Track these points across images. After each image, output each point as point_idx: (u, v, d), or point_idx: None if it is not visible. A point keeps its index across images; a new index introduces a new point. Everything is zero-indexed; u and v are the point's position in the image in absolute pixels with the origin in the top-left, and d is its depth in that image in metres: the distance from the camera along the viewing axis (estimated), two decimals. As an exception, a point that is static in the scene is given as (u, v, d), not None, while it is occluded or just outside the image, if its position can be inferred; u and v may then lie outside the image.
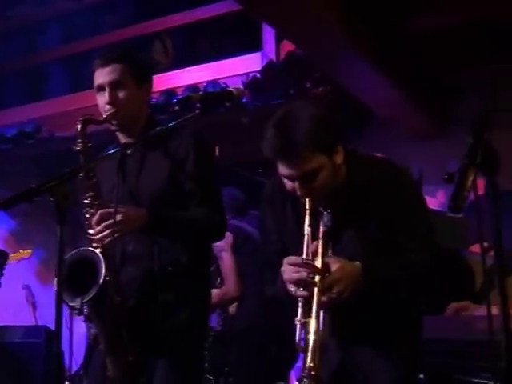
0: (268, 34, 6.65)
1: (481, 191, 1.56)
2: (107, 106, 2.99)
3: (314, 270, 2.43)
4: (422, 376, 3.97)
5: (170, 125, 2.87)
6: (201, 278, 3.10)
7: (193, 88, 6.45)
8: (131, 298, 2.96)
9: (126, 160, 2.85)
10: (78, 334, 6.34)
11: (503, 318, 1.52)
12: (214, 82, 6.46)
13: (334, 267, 2.44)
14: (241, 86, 6.02)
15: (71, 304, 2.80)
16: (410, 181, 2.82)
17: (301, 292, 2.42)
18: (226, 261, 5.10)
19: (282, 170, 2.51)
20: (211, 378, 5.53)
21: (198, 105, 2.78)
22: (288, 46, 6.15)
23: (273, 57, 6.51)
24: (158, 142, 2.99)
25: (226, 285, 5.10)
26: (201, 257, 3.11)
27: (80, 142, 2.95)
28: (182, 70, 7.13)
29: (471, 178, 1.49)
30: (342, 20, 4.90)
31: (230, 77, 6.68)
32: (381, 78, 5.57)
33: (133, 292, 2.98)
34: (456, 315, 3.77)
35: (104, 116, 3.00)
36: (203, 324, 3.14)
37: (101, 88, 3.02)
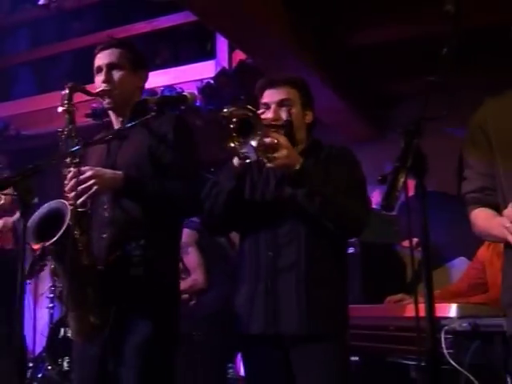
0: (222, 43, 6.68)
1: (411, 192, 1.59)
2: (103, 85, 2.96)
3: None
4: (357, 359, 4.04)
5: (127, 126, 2.85)
6: (170, 248, 2.99)
7: (151, 92, 6.43)
8: (100, 262, 2.81)
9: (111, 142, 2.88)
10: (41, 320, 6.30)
11: (428, 306, 1.55)
12: (170, 87, 6.46)
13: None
14: (195, 91, 6.04)
15: (34, 246, 2.66)
16: (357, 161, 2.91)
17: None
18: (193, 255, 5.08)
19: (265, 98, 2.82)
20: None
21: (154, 107, 2.77)
22: (240, 55, 6.18)
23: (226, 64, 6.54)
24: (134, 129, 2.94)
25: (194, 277, 5.08)
26: (171, 228, 3.00)
27: (65, 104, 2.90)
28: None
29: (402, 180, 1.52)
30: (291, 33, 4.94)
31: (185, 82, 6.70)
32: (326, 87, 5.63)
33: (102, 256, 2.82)
34: (389, 304, 3.82)
35: (97, 90, 2.97)
36: (174, 288, 3.02)
37: (99, 69, 2.97)
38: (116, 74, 2.97)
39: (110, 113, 3.08)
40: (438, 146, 6.00)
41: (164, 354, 2.82)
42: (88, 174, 2.71)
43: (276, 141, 2.59)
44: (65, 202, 2.73)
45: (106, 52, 2.99)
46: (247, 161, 2.60)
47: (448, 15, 1.91)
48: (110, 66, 2.97)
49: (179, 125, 2.97)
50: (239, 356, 5.78)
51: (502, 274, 2.46)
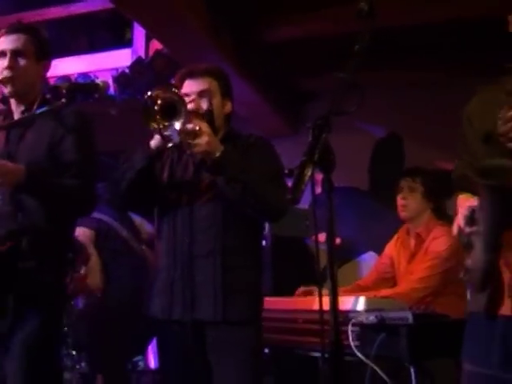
0: (139, 32, 6.61)
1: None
2: (5, 71, 2.87)
3: None
4: (267, 351, 4.07)
5: (37, 112, 2.79)
6: (62, 245, 2.96)
7: (65, 78, 6.30)
8: None
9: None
10: None
11: (332, 299, 1.58)
12: (85, 74, 6.35)
13: None
14: (110, 80, 5.95)
15: None
16: (275, 151, 2.96)
17: None
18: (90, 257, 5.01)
19: (185, 88, 2.84)
20: (74, 353, 5.44)
21: (65, 94, 2.73)
22: (157, 45, 6.12)
23: (142, 54, 6.47)
24: (40, 120, 2.88)
25: (90, 279, 5.00)
26: (64, 224, 2.98)
27: None
28: (56, 61, 6.95)
29: (309, 174, 1.53)
30: (208, 25, 4.93)
31: (101, 70, 6.59)
32: (241, 80, 5.63)
33: None
34: (298, 297, 3.86)
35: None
36: (62, 288, 3.00)
37: (2, 54, 2.89)
38: (21, 62, 2.89)
39: (12, 101, 3.00)
40: (349, 142, 6.14)
41: (49, 349, 2.83)
42: None
43: (198, 127, 2.61)
44: None
45: (12, 37, 2.91)
46: (169, 144, 2.63)
47: (361, 13, 1.93)
48: (15, 53, 2.89)
49: (79, 122, 2.93)
50: (149, 348, 5.77)
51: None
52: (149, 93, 2.57)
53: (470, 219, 2.06)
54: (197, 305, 2.71)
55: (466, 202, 2.39)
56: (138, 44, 6.66)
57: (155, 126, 2.58)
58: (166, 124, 2.57)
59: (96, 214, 4.96)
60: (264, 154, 2.87)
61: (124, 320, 4.77)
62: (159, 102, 2.57)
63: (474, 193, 2.37)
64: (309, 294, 3.84)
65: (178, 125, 2.56)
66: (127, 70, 6.24)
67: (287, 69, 6.53)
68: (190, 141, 2.60)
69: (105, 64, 6.75)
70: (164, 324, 2.81)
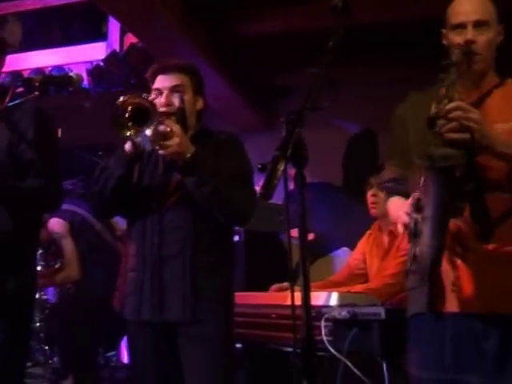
0: (113, 25, 6.58)
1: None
2: None
3: None
4: (240, 346, 4.07)
5: (9, 104, 2.76)
6: (28, 246, 2.95)
7: (39, 71, 6.26)
8: None
9: None
10: None
11: (303, 294, 1.58)
12: (59, 67, 6.31)
13: None
14: (84, 73, 5.92)
15: None
16: (245, 151, 2.95)
17: None
18: (67, 247, 4.96)
19: (157, 83, 2.82)
20: (46, 347, 5.42)
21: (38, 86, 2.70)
22: (131, 38, 6.10)
23: (117, 47, 6.45)
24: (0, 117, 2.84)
25: (68, 269, 4.97)
26: (29, 225, 2.96)
27: None
28: (30, 53, 6.91)
29: (281, 169, 1.54)
30: (183, 19, 4.92)
31: (75, 63, 6.56)
32: (215, 75, 5.64)
33: None
34: (271, 292, 3.87)
35: None
36: (31, 291, 2.99)
37: None
38: None
39: None
40: (324, 138, 6.16)
41: (17, 353, 2.81)
42: None
43: (169, 128, 2.60)
44: None
45: None
46: (141, 150, 2.62)
47: (335, 10, 1.94)
48: None
49: (39, 119, 2.87)
50: (122, 343, 5.74)
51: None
52: (118, 101, 2.55)
53: (416, 207, 2.08)
54: (166, 306, 2.69)
55: (398, 204, 2.43)
56: (112, 37, 6.64)
57: (128, 133, 2.56)
58: (138, 130, 2.55)
59: (69, 207, 4.94)
60: (233, 155, 2.85)
61: (95, 316, 4.75)
62: (129, 108, 2.55)
63: (404, 195, 2.41)
64: (282, 291, 3.85)
65: (148, 131, 2.55)
66: (102, 63, 6.22)
67: (262, 64, 6.53)
68: (161, 142, 2.59)
69: (79, 57, 6.73)
70: (134, 324, 2.80)
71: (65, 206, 4.91)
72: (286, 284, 3.92)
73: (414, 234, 2.10)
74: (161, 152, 2.64)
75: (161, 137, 2.58)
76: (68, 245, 4.95)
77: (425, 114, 2.34)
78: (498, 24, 2.36)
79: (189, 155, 2.63)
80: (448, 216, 2.07)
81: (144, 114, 2.53)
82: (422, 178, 2.13)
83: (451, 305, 2.24)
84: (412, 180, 2.41)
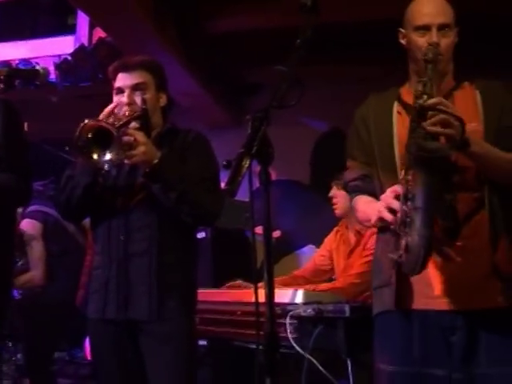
0: (82, 19, 6.53)
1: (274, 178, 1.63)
2: None
3: None
4: (205, 343, 4.08)
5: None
6: (3, 243, 2.91)
7: (5, 64, 6.19)
8: None
9: None
10: None
11: (268, 292, 1.59)
12: (26, 60, 6.24)
13: None
14: (52, 66, 5.88)
15: None
16: (212, 151, 2.94)
17: None
18: (36, 250, 4.90)
19: (119, 82, 2.79)
20: (10, 344, 5.36)
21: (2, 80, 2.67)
22: (100, 33, 6.06)
23: (85, 41, 6.41)
24: None
25: (33, 273, 4.91)
26: (3, 221, 2.92)
27: None
28: (-3, 46, 6.84)
29: (246, 166, 1.54)
30: (152, 14, 4.90)
31: (43, 56, 6.49)
32: (184, 71, 5.63)
33: None
34: (237, 290, 3.87)
35: None
36: (7, 283, 2.95)
37: None
38: None
39: None
40: (292, 136, 6.19)
41: None
42: None
43: (133, 138, 2.58)
44: None
45: None
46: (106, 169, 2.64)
47: (304, 8, 1.94)
48: None
49: (7, 114, 2.85)
50: (87, 340, 5.72)
51: (373, 258, 2.57)
52: (77, 130, 2.52)
53: (405, 198, 2.11)
54: (131, 304, 2.69)
55: (365, 202, 2.46)
56: (81, 31, 6.59)
57: (96, 156, 2.55)
58: (102, 152, 2.55)
59: (41, 208, 4.89)
60: (201, 156, 2.84)
61: (60, 318, 4.72)
62: (89, 135, 2.53)
63: (371, 193, 2.44)
64: (236, 288, 3.87)
65: (109, 155, 2.54)
66: (70, 57, 6.16)
67: (232, 61, 6.53)
68: (126, 152, 2.58)
69: (47, 50, 6.67)
70: (97, 322, 2.78)
71: (36, 207, 4.87)
72: (239, 281, 3.95)
73: (404, 224, 2.12)
74: (126, 161, 2.63)
75: (126, 147, 2.57)
76: (37, 247, 4.88)
77: (385, 114, 2.43)
78: (455, 27, 2.41)
79: (155, 161, 2.62)
80: (437, 206, 2.09)
81: (105, 135, 2.52)
82: (403, 172, 2.17)
83: (418, 302, 2.28)
84: (376, 179, 2.45)
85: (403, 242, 2.11)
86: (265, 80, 6.28)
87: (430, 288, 2.27)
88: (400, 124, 2.39)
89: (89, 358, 5.94)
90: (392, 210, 2.17)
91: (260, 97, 6.73)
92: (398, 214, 2.14)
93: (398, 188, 2.19)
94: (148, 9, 4.84)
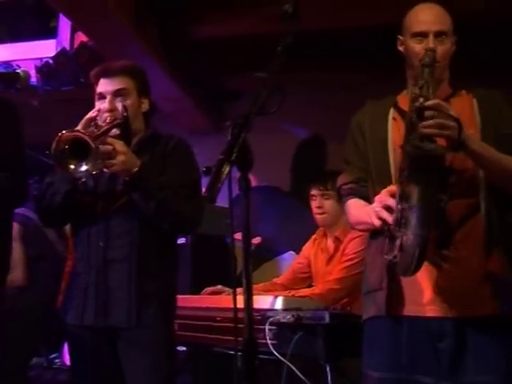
0: (64, 23, 6.51)
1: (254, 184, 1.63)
2: None
3: None
4: (184, 349, 4.06)
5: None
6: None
7: (-13, 67, 6.16)
8: None
9: None
10: None
11: (246, 298, 1.59)
12: (7, 63, 6.22)
13: None
14: (33, 70, 5.85)
15: None
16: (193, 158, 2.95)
17: None
18: (16, 251, 4.86)
19: (100, 87, 2.79)
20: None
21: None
22: (82, 37, 6.04)
23: (67, 45, 6.38)
24: None
25: (14, 274, 4.87)
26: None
27: None
28: (-22, 49, 6.80)
29: (226, 172, 1.54)
30: (134, 19, 4.89)
31: (24, 60, 6.46)
32: (165, 76, 5.62)
33: None
34: (216, 295, 3.87)
35: None
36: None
37: None
38: None
39: None
40: (272, 142, 6.20)
41: None
42: None
43: (112, 147, 2.58)
44: None
45: None
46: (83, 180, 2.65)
47: (285, 15, 1.95)
48: None
49: (3, 112, 2.84)
50: (65, 346, 5.68)
51: (363, 263, 2.60)
52: (54, 141, 2.51)
53: (400, 197, 2.11)
54: (110, 311, 2.68)
55: (358, 206, 2.47)
56: (63, 35, 6.57)
57: (73, 166, 2.54)
58: (79, 162, 2.54)
59: (21, 210, 4.85)
60: (182, 163, 2.84)
61: (33, 325, 4.69)
62: (66, 146, 2.52)
63: (365, 198, 2.45)
64: (216, 293, 3.87)
65: (85, 167, 2.53)
66: (51, 61, 6.14)
67: (213, 66, 6.54)
68: (105, 161, 2.58)
69: (29, 54, 6.63)
70: (76, 328, 2.77)
71: (18, 209, 4.83)
72: (219, 287, 3.94)
73: (399, 224, 2.12)
74: (106, 170, 2.63)
75: (105, 156, 2.57)
76: (17, 249, 4.85)
77: (380, 121, 2.45)
78: (452, 36, 2.44)
79: (135, 170, 2.62)
80: (434, 206, 2.09)
81: (82, 146, 2.50)
82: (398, 172, 2.18)
83: (408, 309, 2.29)
84: (370, 185, 2.46)
85: (398, 242, 2.11)
86: (246, 86, 6.29)
87: (421, 295, 2.27)
88: (395, 130, 2.41)
89: (67, 363, 5.92)
90: (389, 208, 2.18)
91: (241, 103, 6.73)
92: (394, 214, 2.15)
93: (392, 188, 2.21)
94: (129, 13, 4.84)
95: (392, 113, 2.47)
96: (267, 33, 4.01)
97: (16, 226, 4.80)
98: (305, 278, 4.07)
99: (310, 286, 3.98)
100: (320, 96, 6.44)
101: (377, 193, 2.34)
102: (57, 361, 5.88)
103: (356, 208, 2.50)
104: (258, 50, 4.86)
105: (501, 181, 2.31)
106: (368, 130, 2.50)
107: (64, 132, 2.51)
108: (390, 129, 2.43)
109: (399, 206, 2.13)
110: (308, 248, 4.12)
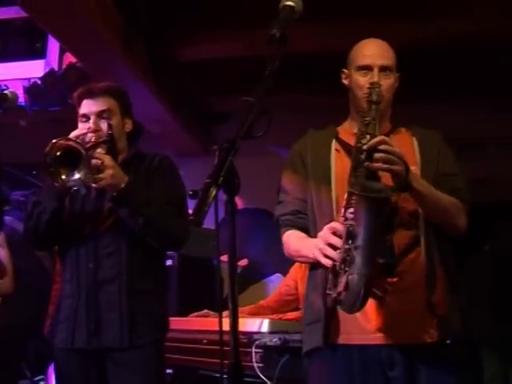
0: (53, 43, 6.52)
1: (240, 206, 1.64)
2: None
3: None
4: (171, 371, 4.05)
5: None
6: None
7: (-26, 88, 6.15)
8: None
9: None
10: None
11: (232, 321, 1.59)
12: (-5, 84, 6.21)
13: None
14: (21, 90, 5.86)
15: None
16: (178, 175, 2.97)
17: None
18: (3, 257, 4.84)
19: (84, 108, 2.80)
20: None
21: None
22: (70, 58, 6.05)
23: (55, 66, 6.39)
24: None
25: (3, 280, 4.83)
26: None
27: None
28: (-34, 69, 6.79)
29: (212, 196, 1.55)
30: (122, 40, 4.91)
31: (12, 80, 6.46)
32: (153, 98, 5.64)
33: None
34: (202, 318, 3.86)
35: None
36: None
37: None
38: None
39: None
40: (261, 165, 6.21)
41: None
42: None
43: (101, 161, 2.59)
44: None
45: None
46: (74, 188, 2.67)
47: (273, 40, 1.97)
48: None
49: None
50: (50, 368, 5.63)
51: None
52: (47, 148, 2.54)
53: (349, 236, 2.13)
54: (102, 331, 2.68)
55: (297, 238, 2.47)
56: (51, 55, 6.58)
57: (64, 176, 2.58)
58: (70, 172, 2.57)
59: (14, 224, 4.81)
60: (167, 180, 2.87)
61: (13, 343, 4.64)
62: (58, 153, 2.55)
63: (303, 229, 2.46)
64: (201, 317, 3.87)
65: (78, 174, 2.56)
66: (39, 82, 6.14)
67: (201, 89, 6.58)
68: (94, 176, 2.60)
69: (17, 74, 6.63)
70: (64, 352, 2.76)
71: (8, 220, 4.79)
72: (205, 311, 3.94)
73: (344, 261, 2.14)
74: (94, 185, 2.64)
75: (93, 171, 2.58)
76: (3, 254, 4.82)
77: (323, 151, 2.47)
78: (396, 72, 2.48)
79: (122, 185, 2.63)
80: (379, 246, 2.11)
81: (74, 156, 2.54)
82: (342, 209, 2.19)
83: (357, 337, 2.30)
84: (310, 215, 2.45)
85: (343, 280, 2.13)
86: (234, 108, 6.32)
87: (368, 322, 2.29)
88: (338, 162, 2.43)
89: (51, 385, 5.87)
90: (332, 246, 2.20)
91: (229, 125, 6.76)
92: (338, 252, 2.17)
93: (335, 225, 2.23)
94: (117, 34, 4.86)
95: (334, 144, 2.48)
96: (255, 55, 4.06)
97: (3, 234, 4.78)
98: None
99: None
100: (307, 119, 6.45)
101: (317, 224, 2.37)
102: (41, 383, 5.83)
103: (296, 240, 2.49)
104: (246, 72, 4.90)
105: (438, 219, 2.36)
106: (310, 160, 2.50)
107: (58, 140, 2.55)
108: (333, 160, 2.45)
109: (345, 245, 2.15)
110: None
